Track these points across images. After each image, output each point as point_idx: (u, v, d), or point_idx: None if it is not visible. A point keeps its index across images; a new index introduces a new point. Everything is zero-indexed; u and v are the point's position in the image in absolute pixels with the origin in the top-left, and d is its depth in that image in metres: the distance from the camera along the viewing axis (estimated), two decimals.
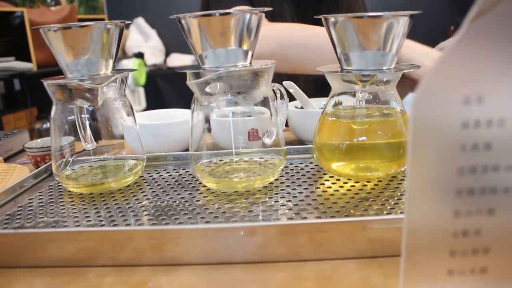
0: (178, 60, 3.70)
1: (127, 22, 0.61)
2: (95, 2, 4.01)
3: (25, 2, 2.91)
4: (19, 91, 2.67)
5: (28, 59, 2.43)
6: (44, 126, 2.52)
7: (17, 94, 2.66)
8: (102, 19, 3.72)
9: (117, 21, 0.58)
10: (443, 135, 0.30)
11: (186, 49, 3.77)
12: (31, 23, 2.43)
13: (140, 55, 3.45)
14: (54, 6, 3.18)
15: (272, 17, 1.00)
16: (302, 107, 0.82)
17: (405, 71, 0.53)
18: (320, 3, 1.11)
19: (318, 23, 1.07)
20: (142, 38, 3.75)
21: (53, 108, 0.60)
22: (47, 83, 0.57)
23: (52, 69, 2.54)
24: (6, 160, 0.87)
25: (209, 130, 0.60)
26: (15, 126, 2.36)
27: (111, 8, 4.16)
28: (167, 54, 3.90)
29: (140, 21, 3.89)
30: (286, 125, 0.76)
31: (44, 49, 2.43)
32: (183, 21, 0.53)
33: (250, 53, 0.55)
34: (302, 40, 0.87)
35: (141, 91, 3.33)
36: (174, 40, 3.90)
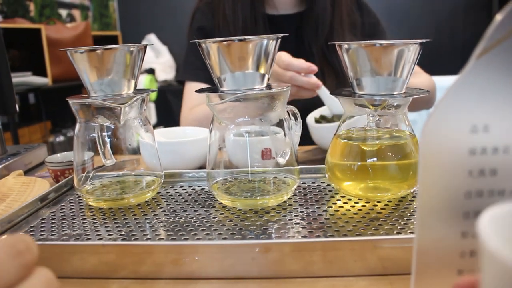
0: None
1: (147, 44, 0.64)
2: (108, 19, 4.08)
3: (42, 18, 2.98)
4: (33, 105, 2.72)
5: (44, 74, 2.48)
6: (58, 139, 2.56)
7: (32, 108, 2.71)
8: (115, 36, 3.78)
9: (140, 44, 0.61)
10: (452, 161, 0.32)
11: None
12: (48, 39, 2.49)
13: (151, 71, 3.50)
14: (70, 22, 3.25)
15: None
16: (319, 121, 0.88)
17: (415, 96, 0.56)
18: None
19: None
20: (154, 54, 3.81)
21: (77, 125, 0.62)
22: (72, 101, 0.60)
23: (66, 84, 2.59)
24: (25, 173, 0.90)
25: (225, 148, 0.62)
26: (29, 139, 2.40)
27: (124, 25, 4.24)
28: (177, 70, 3.95)
29: (152, 37, 3.96)
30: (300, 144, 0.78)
31: (59, 64, 2.49)
32: (203, 45, 0.56)
33: (266, 77, 0.57)
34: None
35: (152, 106, 3.37)
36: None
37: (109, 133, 0.63)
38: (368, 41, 0.55)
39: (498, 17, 0.29)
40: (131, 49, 0.59)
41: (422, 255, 0.34)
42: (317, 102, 0.97)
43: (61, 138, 2.61)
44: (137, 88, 0.63)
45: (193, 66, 1.16)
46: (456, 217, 0.33)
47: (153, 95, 3.32)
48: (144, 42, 3.88)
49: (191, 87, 1.18)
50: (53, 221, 0.58)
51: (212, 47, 0.55)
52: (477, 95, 0.31)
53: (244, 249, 0.45)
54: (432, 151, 0.32)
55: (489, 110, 0.31)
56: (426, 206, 0.33)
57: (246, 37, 0.54)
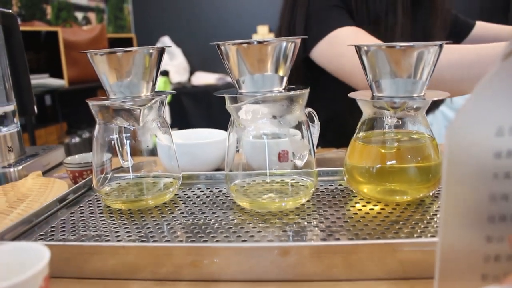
0: (202, 78, 3.77)
1: (165, 46, 0.64)
2: (123, 21, 4.12)
3: (58, 21, 3.01)
4: (50, 106, 2.75)
5: (60, 76, 2.51)
6: (73, 141, 2.59)
7: (48, 109, 2.74)
8: (130, 38, 3.81)
9: (159, 46, 0.61)
10: (477, 164, 0.32)
11: (210, 67, 3.85)
12: (64, 41, 2.52)
13: (165, 73, 3.53)
14: (86, 25, 3.28)
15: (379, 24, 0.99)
16: None
17: (434, 98, 0.55)
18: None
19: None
20: (168, 56, 3.84)
21: (96, 127, 0.63)
22: (92, 103, 0.61)
23: (82, 85, 2.62)
24: (44, 174, 0.90)
25: (243, 150, 0.62)
26: (46, 141, 2.43)
27: (138, 27, 4.27)
28: (191, 72, 3.98)
29: (166, 39, 3.98)
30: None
31: (75, 66, 2.52)
32: (222, 47, 0.56)
33: (285, 79, 0.57)
34: (458, 60, 0.80)
35: (166, 108, 3.39)
36: (199, 59, 3.98)
37: (128, 134, 0.63)
38: (388, 43, 0.55)
39: None
40: (150, 51, 0.60)
41: (446, 259, 0.34)
42: (340, 111, 0.97)
43: (76, 140, 2.64)
44: (155, 83, 0.63)
45: (338, 14, 0.99)
46: (480, 221, 0.33)
47: (167, 97, 3.34)
48: (158, 44, 3.90)
49: (346, 32, 0.95)
50: (73, 222, 0.58)
51: (231, 49, 0.55)
52: (503, 97, 0.31)
53: (263, 252, 0.45)
54: (457, 154, 0.31)
55: None
56: (450, 210, 0.33)
57: (265, 38, 0.54)
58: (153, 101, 0.60)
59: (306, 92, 0.57)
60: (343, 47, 0.91)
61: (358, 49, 0.57)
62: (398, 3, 0.98)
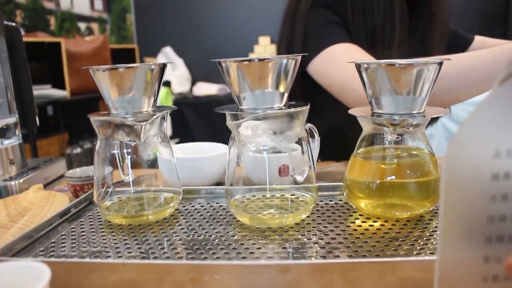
0: (203, 88, 3.78)
1: (167, 62, 0.65)
2: (125, 31, 4.15)
3: (61, 32, 3.03)
4: (52, 117, 2.76)
5: (62, 86, 2.52)
6: (75, 151, 2.60)
7: (50, 120, 2.75)
8: (132, 49, 3.83)
9: (160, 62, 0.61)
10: (474, 186, 0.32)
11: (211, 78, 3.87)
12: (67, 52, 2.54)
13: (167, 84, 3.54)
14: (88, 35, 3.30)
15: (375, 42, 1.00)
16: None
17: (434, 116, 0.55)
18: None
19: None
20: (169, 66, 3.85)
21: (98, 142, 0.63)
22: (93, 119, 0.61)
23: (84, 96, 2.63)
24: (45, 186, 0.91)
25: (244, 165, 0.63)
26: (47, 151, 2.44)
27: (140, 37, 4.30)
28: (193, 83, 3.99)
29: (168, 50, 4.00)
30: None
31: (78, 77, 2.53)
32: (223, 64, 0.57)
33: (286, 95, 0.58)
34: (444, 72, 0.75)
35: (168, 118, 3.40)
36: (201, 69, 4.00)
37: (129, 150, 0.63)
38: (387, 60, 0.55)
39: None
40: (152, 67, 0.60)
41: (444, 279, 0.34)
42: (340, 125, 0.97)
43: (78, 150, 2.65)
44: (156, 98, 0.63)
45: (334, 30, 1.00)
46: (478, 241, 0.33)
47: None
48: (160, 55, 3.92)
49: (340, 49, 0.96)
50: (73, 237, 0.59)
51: (232, 66, 0.56)
52: (500, 120, 0.31)
53: (263, 270, 0.45)
54: (455, 176, 0.32)
55: None
56: (448, 230, 0.33)
57: (265, 56, 0.54)
58: (154, 116, 0.60)
59: (306, 108, 0.58)
60: (335, 64, 0.92)
61: (357, 66, 0.57)
62: (396, 15, 0.99)
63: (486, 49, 0.80)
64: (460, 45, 1.23)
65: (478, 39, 1.23)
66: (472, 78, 0.78)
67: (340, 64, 0.91)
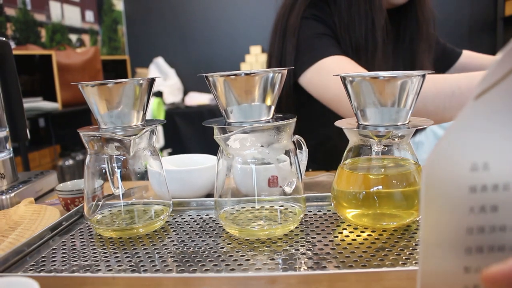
0: (195, 98, 3.79)
1: (156, 76, 0.66)
2: (117, 42, 4.15)
3: (52, 44, 3.04)
4: (43, 129, 2.76)
5: (54, 98, 2.52)
6: (67, 163, 2.59)
7: (42, 132, 2.75)
8: (124, 60, 3.83)
9: (148, 77, 0.62)
10: (453, 198, 0.33)
11: (203, 88, 3.87)
12: (58, 64, 2.54)
13: (159, 94, 3.55)
14: (80, 47, 3.31)
15: (360, 54, 1.01)
16: None
17: (418, 127, 0.57)
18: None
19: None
20: (161, 77, 3.87)
21: (87, 156, 0.64)
22: (82, 133, 0.62)
23: (76, 108, 2.63)
24: (36, 200, 0.91)
25: (232, 176, 0.63)
26: (39, 163, 2.43)
27: (132, 48, 4.31)
28: (185, 93, 4.00)
29: (160, 60, 4.02)
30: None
31: (69, 89, 2.53)
32: (210, 79, 0.57)
33: (272, 108, 0.59)
34: (440, 90, 0.81)
35: (160, 129, 3.40)
36: (192, 79, 4.02)
37: (119, 163, 0.64)
38: (372, 73, 0.56)
39: (497, 57, 0.30)
40: (140, 81, 0.61)
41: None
42: (330, 135, 0.98)
43: (70, 162, 2.64)
44: (145, 112, 0.64)
45: (326, 43, 1.01)
46: (458, 252, 0.34)
47: (161, 118, 3.35)
48: (152, 65, 3.93)
49: (332, 62, 0.97)
50: (64, 251, 0.59)
51: (218, 80, 0.57)
52: (477, 134, 0.32)
53: (251, 281, 0.46)
54: (434, 189, 0.33)
55: (488, 149, 0.32)
56: (429, 241, 0.34)
57: (252, 70, 0.55)
58: (143, 131, 0.61)
59: (293, 121, 0.59)
60: (328, 77, 0.93)
61: (342, 79, 0.58)
62: (377, 29, 1.01)
63: (482, 72, 0.81)
64: (449, 59, 1.25)
65: (466, 53, 1.26)
66: (466, 99, 0.79)
67: (333, 77, 0.92)
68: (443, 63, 1.24)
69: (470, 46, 1.35)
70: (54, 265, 0.55)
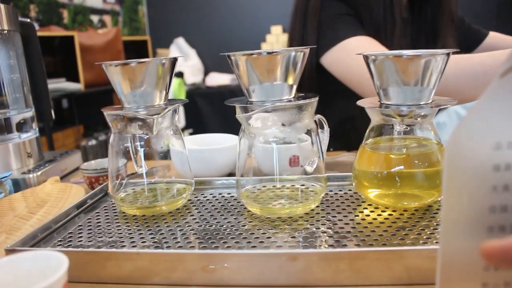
0: (216, 79, 3.79)
1: (178, 56, 0.66)
2: (137, 23, 4.16)
3: (74, 25, 3.06)
4: (67, 109, 2.80)
5: (76, 79, 2.55)
6: (90, 143, 2.63)
7: (65, 112, 2.79)
8: (145, 41, 3.85)
9: (171, 57, 0.63)
10: (476, 177, 0.33)
11: (224, 68, 3.87)
12: (81, 45, 2.57)
13: (180, 74, 3.55)
14: (101, 28, 3.33)
15: (380, 34, 1.00)
16: None
17: (442, 106, 0.56)
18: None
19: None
20: (182, 57, 3.87)
21: (111, 135, 0.65)
22: (106, 113, 0.63)
23: (98, 88, 2.66)
24: (61, 178, 0.93)
25: (254, 156, 0.64)
26: (63, 143, 2.48)
27: (153, 29, 4.31)
28: (205, 73, 4.00)
29: (180, 41, 4.01)
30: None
31: (91, 69, 2.56)
32: (232, 58, 0.58)
33: (294, 87, 0.59)
34: (463, 70, 0.80)
35: (181, 110, 3.42)
36: (213, 60, 4.01)
37: (142, 142, 0.65)
38: (395, 51, 0.56)
39: None
40: (163, 61, 0.61)
41: (446, 268, 0.35)
42: (352, 114, 0.98)
43: (93, 142, 2.68)
44: (168, 92, 0.65)
45: (348, 23, 1.00)
46: (480, 231, 0.34)
47: (182, 98, 3.37)
48: (172, 46, 3.94)
49: (355, 42, 0.96)
50: (89, 227, 0.60)
51: (241, 59, 0.57)
52: (501, 113, 0.32)
53: (272, 258, 0.47)
54: (456, 167, 0.32)
55: None
56: (450, 220, 0.34)
57: (274, 49, 0.55)
58: (166, 110, 0.61)
59: (315, 100, 0.59)
60: (352, 57, 0.92)
61: (365, 57, 0.58)
62: (395, 6, 0.99)
63: (508, 50, 0.79)
64: (474, 39, 1.22)
65: (493, 35, 1.22)
66: (489, 79, 0.78)
67: (356, 56, 0.92)
68: (468, 43, 1.21)
69: (497, 27, 1.31)
70: (81, 241, 0.56)
